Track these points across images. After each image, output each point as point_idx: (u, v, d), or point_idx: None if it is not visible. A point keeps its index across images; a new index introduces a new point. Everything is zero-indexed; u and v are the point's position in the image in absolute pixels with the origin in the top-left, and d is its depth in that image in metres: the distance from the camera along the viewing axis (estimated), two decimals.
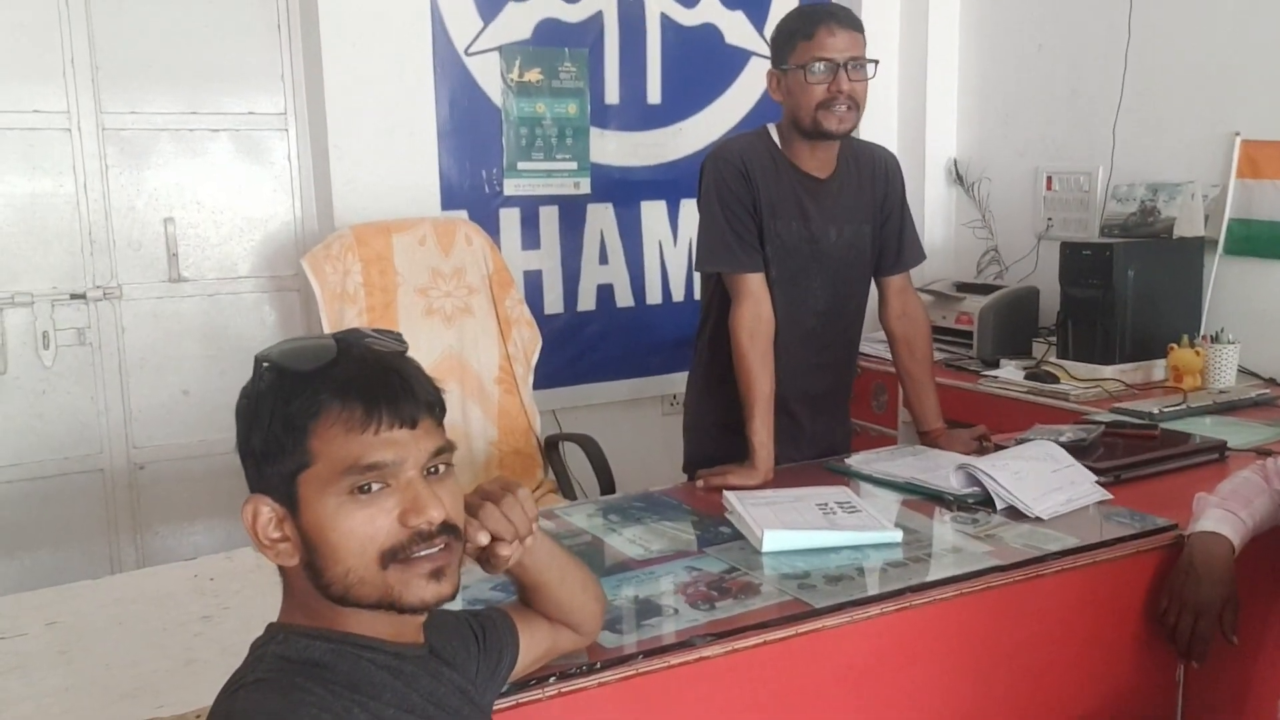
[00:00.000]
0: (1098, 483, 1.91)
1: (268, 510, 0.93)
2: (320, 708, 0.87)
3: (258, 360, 0.95)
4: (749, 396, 2.02)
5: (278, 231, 3.20)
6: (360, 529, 0.90)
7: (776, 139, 2.11)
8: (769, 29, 3.74)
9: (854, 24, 1.99)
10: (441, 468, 0.96)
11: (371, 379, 0.92)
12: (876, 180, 2.17)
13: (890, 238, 2.21)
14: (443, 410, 0.98)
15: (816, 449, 2.20)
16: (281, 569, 0.96)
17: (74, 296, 2.95)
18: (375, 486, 0.91)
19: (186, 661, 1.34)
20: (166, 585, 1.62)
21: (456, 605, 1.35)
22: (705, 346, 2.24)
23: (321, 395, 0.91)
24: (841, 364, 2.28)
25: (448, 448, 0.97)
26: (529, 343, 2.99)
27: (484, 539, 1.04)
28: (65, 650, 1.39)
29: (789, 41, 1.99)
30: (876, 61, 2.03)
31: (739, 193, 2.05)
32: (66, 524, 2.99)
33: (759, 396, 2.01)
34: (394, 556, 0.91)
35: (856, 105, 2.00)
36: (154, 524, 3.10)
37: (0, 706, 1.25)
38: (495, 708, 1.16)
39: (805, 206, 2.09)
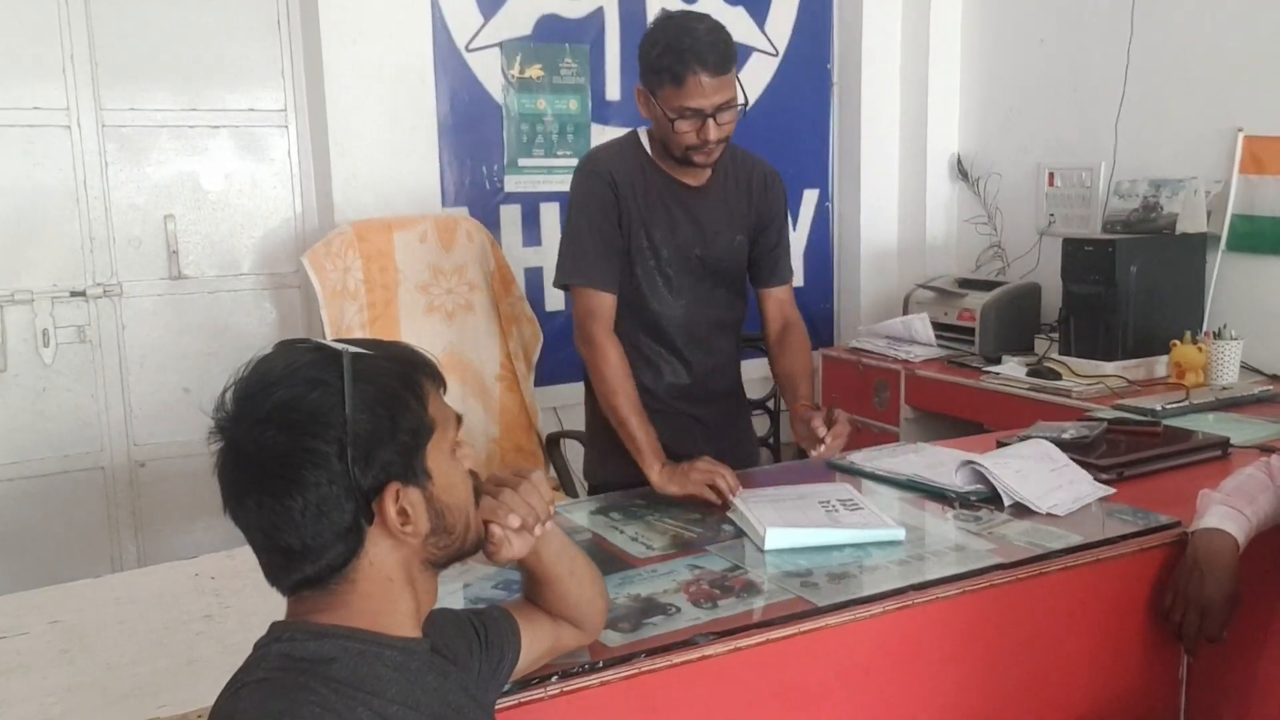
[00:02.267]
0: (1100, 480, 1.91)
1: (387, 497, 0.93)
2: (323, 707, 0.86)
3: (339, 354, 0.92)
4: (617, 414, 1.93)
5: (278, 228, 3.19)
6: (465, 481, 1.01)
7: (648, 146, 2.01)
8: (770, 25, 3.76)
9: (724, 63, 1.84)
10: None
11: (417, 351, 1.01)
12: (754, 192, 2.08)
13: (766, 251, 2.11)
14: None
15: (721, 443, 2.08)
16: None
17: (74, 294, 2.95)
18: None
19: (188, 661, 1.34)
20: (168, 584, 1.62)
21: (458, 604, 1.36)
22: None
23: (415, 372, 0.98)
24: (729, 362, 2.19)
25: None
26: (530, 340, 2.99)
27: (515, 521, 1.07)
28: (67, 649, 1.39)
29: (657, 77, 1.86)
30: (745, 104, 1.91)
31: (606, 207, 1.96)
32: (67, 522, 2.99)
33: (625, 405, 1.92)
34: (478, 498, 1.04)
35: (725, 139, 1.92)
36: (155, 522, 3.10)
37: (1, 707, 1.24)
38: (498, 706, 1.16)
39: (676, 215, 2.00)
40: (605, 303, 1.96)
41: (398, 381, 0.95)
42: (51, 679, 1.31)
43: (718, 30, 1.86)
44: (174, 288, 3.07)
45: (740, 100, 1.89)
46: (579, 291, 1.98)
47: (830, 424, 1.84)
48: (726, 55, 1.85)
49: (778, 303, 2.14)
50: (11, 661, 1.36)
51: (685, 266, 2.02)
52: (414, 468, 0.94)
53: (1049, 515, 1.76)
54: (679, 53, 1.82)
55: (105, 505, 3.04)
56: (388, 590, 0.96)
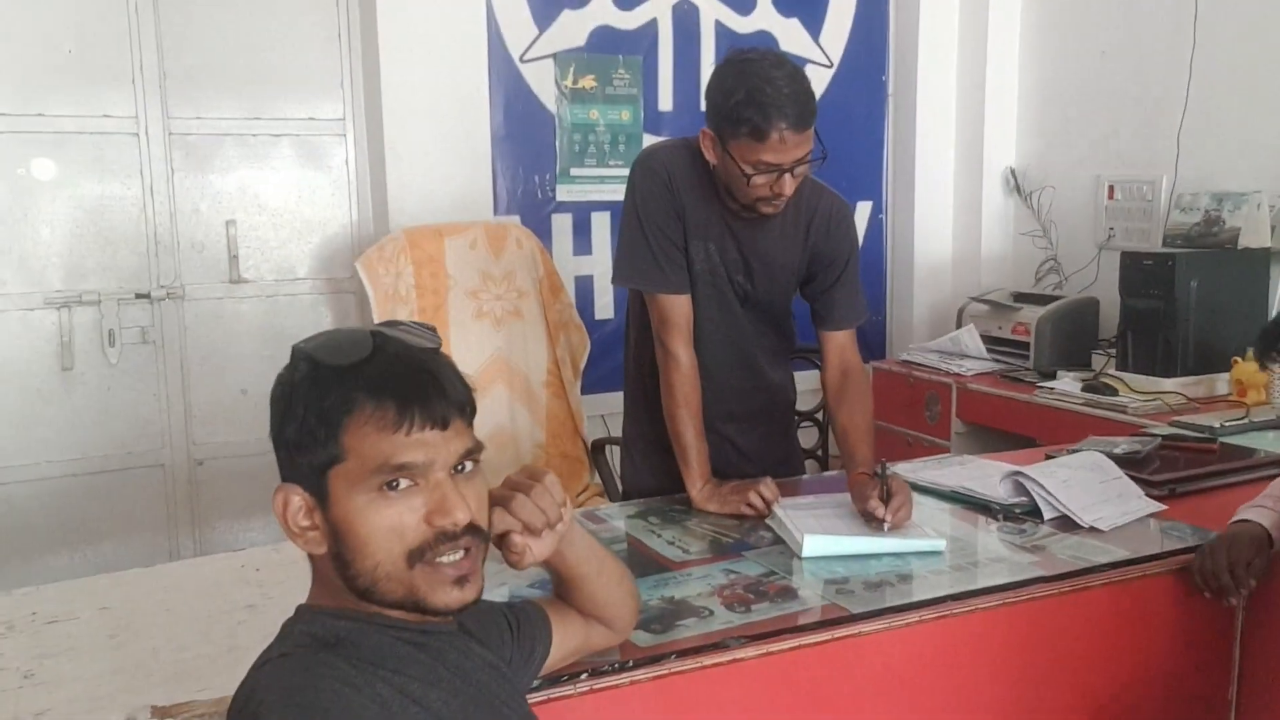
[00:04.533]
0: (1151, 496, 1.87)
1: (298, 499, 0.94)
2: (343, 681, 0.88)
3: (295, 351, 0.96)
4: (676, 423, 1.91)
5: (335, 234, 3.26)
6: (388, 526, 0.92)
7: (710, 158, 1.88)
8: (825, 36, 3.76)
9: (807, 118, 1.73)
10: (469, 466, 0.97)
11: (406, 378, 0.93)
12: (814, 231, 1.96)
13: (820, 292, 2.00)
14: (473, 410, 0.99)
15: (758, 467, 2.03)
16: (311, 555, 0.98)
17: (139, 296, 3.04)
18: (403, 484, 0.92)
19: (230, 648, 1.37)
20: (214, 574, 1.66)
21: (499, 599, 1.37)
22: (631, 360, 2.13)
23: (356, 393, 0.92)
24: (772, 386, 2.11)
25: (476, 448, 0.97)
26: (578, 347, 3.01)
27: (518, 538, 1.05)
28: (115, 634, 1.43)
29: (733, 128, 1.73)
30: (824, 158, 1.81)
31: (664, 205, 1.89)
32: (128, 517, 3.08)
33: (684, 416, 1.89)
34: (420, 556, 0.93)
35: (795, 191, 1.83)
36: (212, 519, 3.17)
37: (51, 687, 1.29)
38: (528, 701, 1.17)
39: (725, 238, 1.92)
40: (677, 306, 1.91)
41: (314, 393, 0.93)
42: (99, 662, 1.35)
43: (798, 79, 1.74)
44: (234, 291, 3.15)
45: (819, 154, 1.79)
46: (649, 298, 1.94)
47: (888, 496, 1.67)
48: (809, 109, 1.74)
49: (837, 347, 1.99)
50: (63, 644, 1.40)
51: (727, 290, 1.96)
52: (312, 480, 0.93)
53: (1092, 529, 1.73)
54: (761, 106, 1.69)
55: (165, 502, 3.12)
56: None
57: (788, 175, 1.76)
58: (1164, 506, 1.85)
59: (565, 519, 1.10)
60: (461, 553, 0.94)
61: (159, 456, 3.11)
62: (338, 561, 0.94)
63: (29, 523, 2.96)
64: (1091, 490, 1.83)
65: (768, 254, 1.95)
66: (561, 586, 1.22)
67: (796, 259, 1.98)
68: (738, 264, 1.95)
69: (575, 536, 1.15)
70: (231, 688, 0.92)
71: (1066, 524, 1.76)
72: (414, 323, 1.02)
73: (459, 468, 0.96)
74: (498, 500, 1.05)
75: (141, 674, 1.31)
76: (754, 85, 1.71)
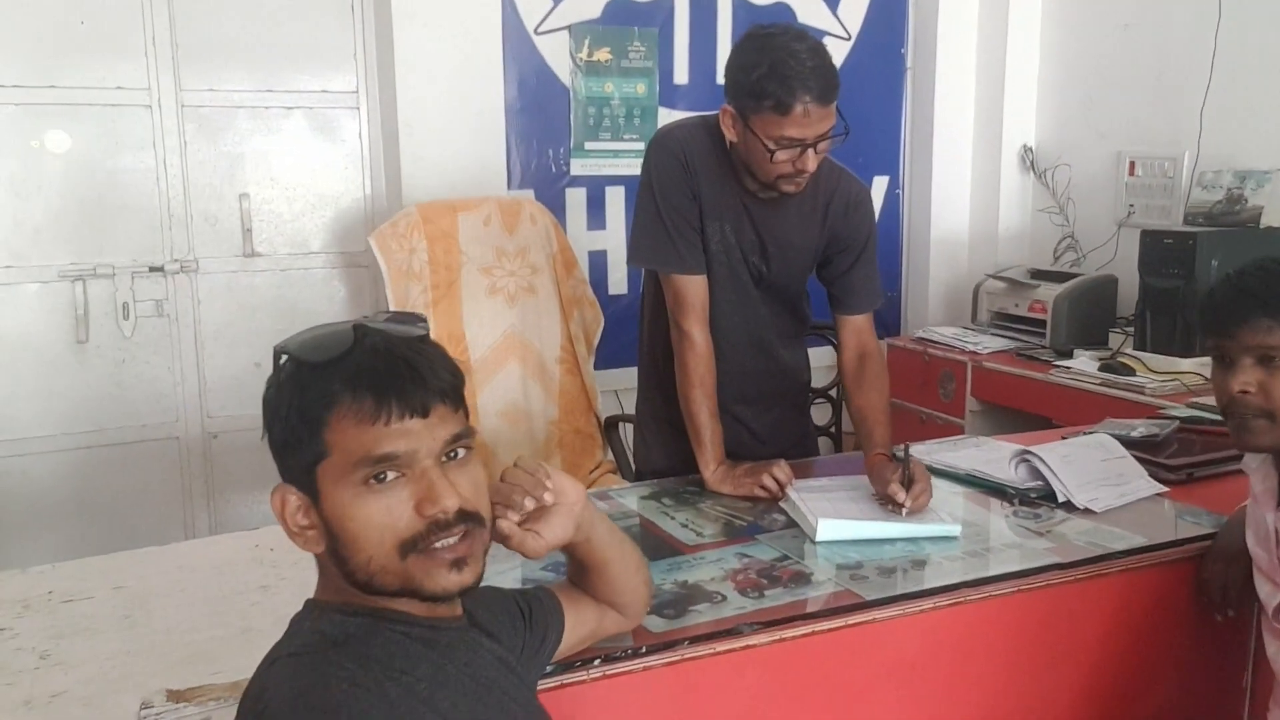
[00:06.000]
0: (1169, 481, 1.86)
1: (294, 499, 0.94)
2: (352, 682, 0.88)
3: (277, 350, 0.95)
4: (690, 405, 1.89)
5: (348, 208, 3.25)
6: (377, 519, 0.91)
7: (728, 138, 1.85)
8: (842, 8, 3.71)
9: (831, 92, 1.71)
10: (461, 452, 0.96)
11: (382, 369, 0.92)
12: (832, 214, 1.94)
13: (837, 276, 1.99)
14: (458, 395, 0.97)
15: (772, 449, 2.02)
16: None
17: (153, 269, 3.04)
18: (390, 476, 0.91)
19: (242, 630, 1.38)
20: (228, 554, 1.67)
21: (508, 584, 1.37)
22: (645, 340, 2.12)
23: (334, 387, 0.91)
24: (786, 367, 2.10)
25: (465, 433, 0.96)
26: (591, 323, 2.99)
27: (504, 524, 1.05)
28: (129, 614, 1.44)
29: (757, 102, 1.71)
30: (846, 133, 1.77)
31: (680, 185, 1.87)
32: (143, 490, 3.09)
33: (699, 398, 1.88)
34: (413, 546, 0.92)
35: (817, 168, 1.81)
36: (226, 492, 3.19)
37: (67, 668, 1.30)
38: (540, 687, 1.17)
39: (741, 218, 1.91)
40: (693, 287, 1.90)
41: (295, 391, 0.93)
42: (113, 642, 1.36)
43: (821, 53, 1.72)
44: (247, 265, 3.15)
45: (841, 130, 1.76)
46: (664, 278, 1.93)
47: (909, 481, 1.66)
48: (833, 83, 1.72)
49: (854, 331, 1.99)
50: (78, 624, 1.41)
51: (742, 271, 1.95)
52: (303, 479, 0.93)
53: (1086, 510, 1.73)
54: (785, 80, 1.68)
55: (179, 475, 3.14)
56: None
57: (811, 151, 1.74)
58: (1166, 489, 1.84)
59: (570, 492, 1.09)
60: (457, 537, 0.93)
61: (173, 429, 3.12)
62: (335, 558, 0.94)
63: (44, 495, 2.98)
64: (1091, 470, 1.82)
65: (784, 235, 1.94)
66: (581, 573, 1.22)
67: (813, 241, 1.96)
68: (753, 245, 1.94)
69: (598, 522, 1.15)
70: (244, 671, 0.93)
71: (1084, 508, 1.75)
72: (399, 313, 1.01)
73: (451, 455, 0.95)
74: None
75: (155, 655, 1.32)
76: (777, 59, 1.69)
